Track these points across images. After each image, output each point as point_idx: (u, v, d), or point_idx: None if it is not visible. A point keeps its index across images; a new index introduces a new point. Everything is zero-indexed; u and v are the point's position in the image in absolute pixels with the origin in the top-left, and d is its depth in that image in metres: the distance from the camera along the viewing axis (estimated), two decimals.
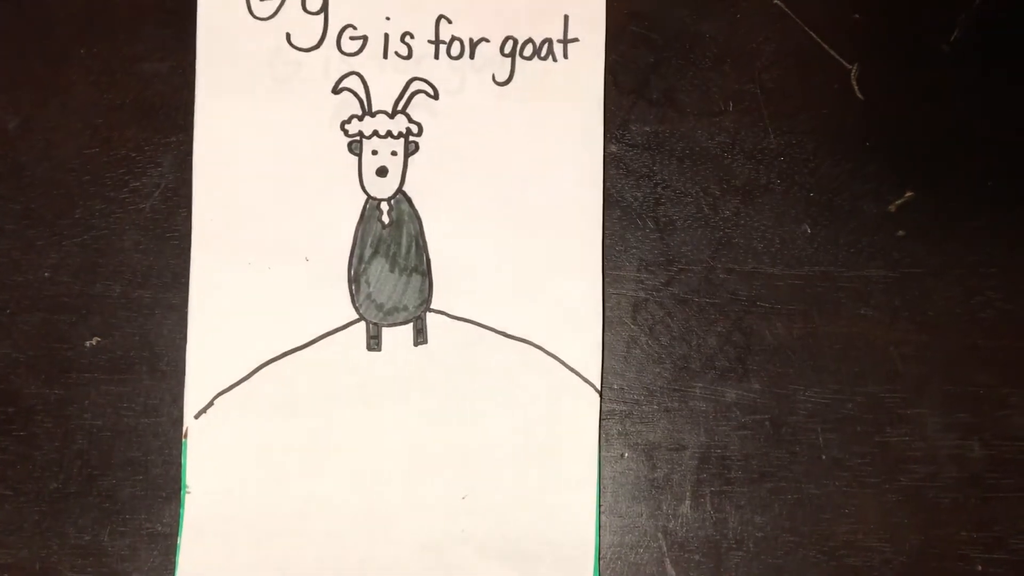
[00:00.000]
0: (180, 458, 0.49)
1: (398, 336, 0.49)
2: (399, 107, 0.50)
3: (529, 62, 0.50)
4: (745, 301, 0.50)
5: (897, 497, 0.49)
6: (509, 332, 0.49)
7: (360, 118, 0.50)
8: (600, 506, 0.49)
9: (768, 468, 0.49)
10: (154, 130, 0.50)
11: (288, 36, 0.50)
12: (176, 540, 0.48)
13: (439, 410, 0.49)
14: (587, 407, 0.49)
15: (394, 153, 0.50)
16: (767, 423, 0.49)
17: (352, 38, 0.50)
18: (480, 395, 0.49)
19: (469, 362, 0.49)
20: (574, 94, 0.50)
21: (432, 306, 0.49)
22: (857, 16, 0.51)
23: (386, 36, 0.50)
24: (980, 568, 0.49)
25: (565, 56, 0.50)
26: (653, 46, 0.51)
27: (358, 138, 0.50)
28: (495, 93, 0.50)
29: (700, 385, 0.50)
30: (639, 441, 0.49)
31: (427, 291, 0.49)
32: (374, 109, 0.50)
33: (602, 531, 0.49)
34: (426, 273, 0.49)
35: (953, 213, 0.50)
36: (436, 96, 0.50)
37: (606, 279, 0.50)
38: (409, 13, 0.50)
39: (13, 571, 0.49)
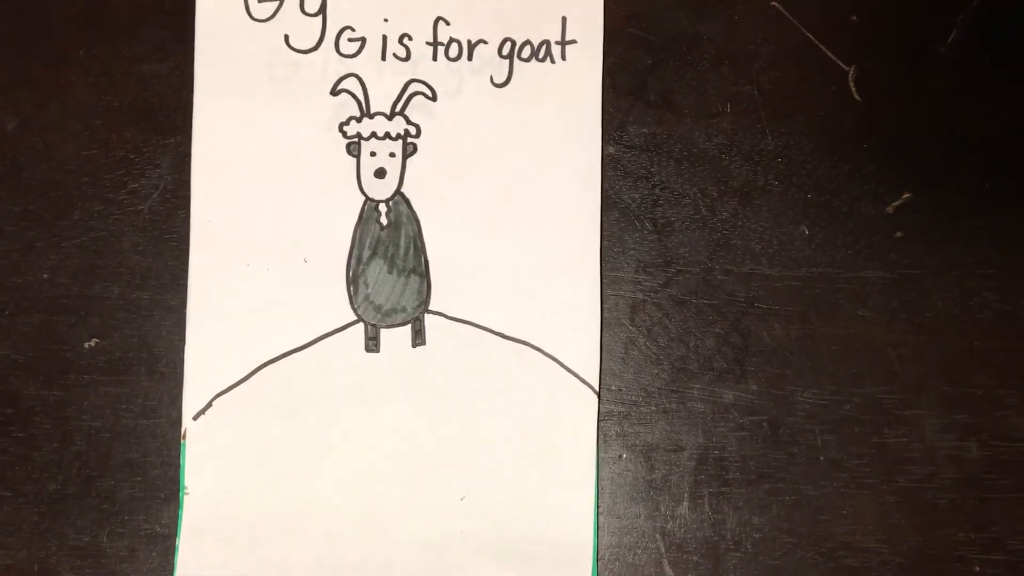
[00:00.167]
0: (179, 459, 0.49)
1: (396, 337, 0.49)
2: (397, 109, 0.50)
3: (527, 64, 0.50)
4: (743, 302, 0.50)
5: (895, 498, 0.49)
6: (507, 333, 0.49)
7: (358, 120, 0.50)
8: (598, 507, 0.49)
9: (766, 469, 0.49)
10: (153, 131, 0.50)
11: (286, 38, 0.50)
12: (175, 541, 0.48)
13: (438, 411, 0.49)
14: (585, 408, 0.49)
15: (392, 155, 0.50)
16: (765, 424, 0.49)
17: (350, 40, 0.50)
18: (478, 396, 0.49)
19: (467, 363, 0.49)
20: (572, 96, 0.50)
21: (430, 307, 0.49)
22: (855, 18, 0.51)
23: (384, 38, 0.50)
24: (978, 569, 0.49)
25: (563, 58, 0.50)
26: (651, 48, 0.51)
27: (356, 140, 0.50)
28: (493, 95, 0.50)
29: (698, 386, 0.50)
30: (637, 442, 0.49)
31: (425, 292, 0.49)
32: (372, 111, 0.50)
33: (600, 532, 0.49)
34: (424, 274, 0.49)
35: (951, 214, 0.50)
36: (434, 98, 0.50)
37: (604, 280, 0.50)
38: (407, 15, 0.50)
39: (12, 572, 0.49)
